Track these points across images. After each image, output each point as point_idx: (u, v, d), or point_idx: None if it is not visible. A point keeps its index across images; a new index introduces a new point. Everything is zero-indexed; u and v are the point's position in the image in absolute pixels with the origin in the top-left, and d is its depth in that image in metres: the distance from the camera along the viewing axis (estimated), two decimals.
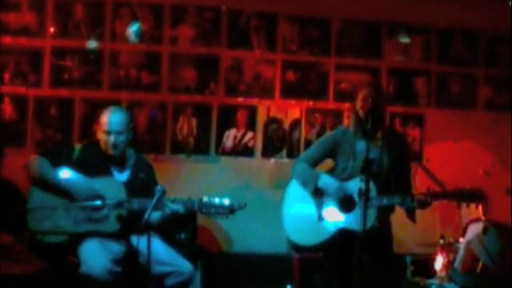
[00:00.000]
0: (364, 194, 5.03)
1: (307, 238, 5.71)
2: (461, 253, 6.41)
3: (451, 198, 5.56)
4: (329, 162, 5.92)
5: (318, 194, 5.71)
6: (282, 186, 6.65)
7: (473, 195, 5.45)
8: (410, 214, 5.60)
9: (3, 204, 5.79)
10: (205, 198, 5.44)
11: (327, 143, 5.90)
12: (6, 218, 5.69)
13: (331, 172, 5.82)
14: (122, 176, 5.64)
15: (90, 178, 5.48)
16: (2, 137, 6.52)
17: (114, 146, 5.53)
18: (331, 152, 5.83)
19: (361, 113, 5.59)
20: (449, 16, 7.67)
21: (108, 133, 5.52)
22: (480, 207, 6.58)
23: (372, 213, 5.38)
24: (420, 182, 5.94)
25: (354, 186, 5.36)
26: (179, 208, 5.41)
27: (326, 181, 5.69)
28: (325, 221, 5.65)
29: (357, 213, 5.36)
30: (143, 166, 5.78)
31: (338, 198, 5.61)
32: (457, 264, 6.38)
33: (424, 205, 5.46)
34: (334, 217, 5.62)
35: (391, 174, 5.65)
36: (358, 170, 5.42)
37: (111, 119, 5.55)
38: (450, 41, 7.81)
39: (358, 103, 5.63)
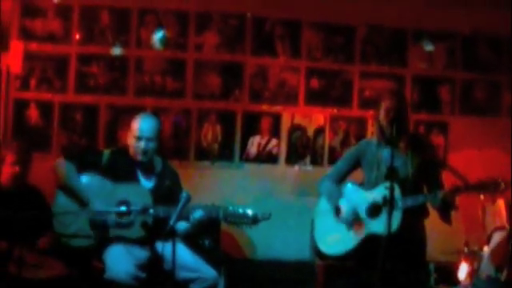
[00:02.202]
0: (388, 200, 5.04)
1: (336, 247, 5.73)
2: (485, 261, 6.37)
3: (474, 190, 5.53)
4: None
5: (337, 211, 5.75)
6: (305, 193, 6.71)
7: (495, 185, 5.42)
8: (444, 216, 5.57)
9: (27, 209, 5.82)
10: (230, 208, 5.46)
11: (352, 156, 5.96)
12: (30, 223, 5.72)
13: (362, 183, 5.83)
14: (149, 183, 5.68)
15: (116, 183, 5.52)
16: (29, 142, 6.55)
17: (144, 152, 5.56)
18: (356, 164, 5.88)
19: (384, 123, 5.60)
20: (473, 23, 7.64)
21: (138, 139, 5.55)
22: (504, 212, 6.54)
23: (396, 216, 5.38)
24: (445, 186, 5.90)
25: (379, 192, 5.37)
26: (204, 216, 5.43)
27: (349, 196, 5.74)
28: (353, 230, 5.67)
29: (381, 218, 5.36)
30: (169, 173, 5.81)
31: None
32: (481, 272, 6.35)
33: (448, 199, 5.43)
34: (360, 225, 5.65)
35: (418, 180, 5.64)
36: (382, 177, 5.44)
37: (142, 125, 5.58)
38: (474, 47, 7.77)
39: (381, 113, 5.63)
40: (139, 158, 5.61)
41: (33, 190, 6.15)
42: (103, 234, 5.48)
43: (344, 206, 5.72)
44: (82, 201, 5.49)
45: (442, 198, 5.45)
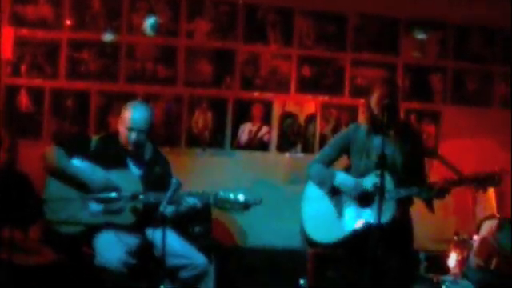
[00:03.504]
0: (379, 188, 5.04)
1: (328, 235, 5.72)
2: (475, 250, 6.39)
3: (468, 184, 5.56)
4: (343, 160, 5.94)
5: (335, 192, 5.72)
6: (296, 180, 6.71)
7: (490, 179, 5.45)
8: (429, 205, 5.61)
9: (16, 197, 5.81)
10: (221, 193, 5.45)
11: (340, 142, 5.92)
12: (21, 210, 5.72)
13: (347, 170, 5.83)
14: (139, 170, 5.67)
15: (106, 170, 5.51)
16: (16, 130, 6.53)
17: (135, 143, 5.55)
18: (344, 150, 5.85)
19: (376, 109, 5.59)
20: (465, 12, 7.63)
21: (130, 129, 5.53)
22: (494, 201, 6.57)
23: (390, 206, 5.39)
24: (437, 177, 5.90)
25: (370, 181, 5.38)
26: (195, 202, 5.42)
27: (342, 179, 5.71)
28: (344, 218, 5.67)
29: (374, 207, 5.36)
30: (160, 160, 5.80)
31: (357, 195, 5.62)
32: (471, 261, 6.36)
33: (442, 193, 5.46)
34: (353, 213, 5.64)
35: (406, 168, 5.65)
36: (373, 165, 5.45)
37: (134, 116, 5.56)
38: (466, 37, 7.78)
39: (373, 100, 5.62)
40: (130, 148, 5.60)
41: (21, 177, 6.14)
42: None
43: (343, 184, 5.69)
44: (77, 183, 5.47)
45: (436, 192, 5.47)
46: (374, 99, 5.62)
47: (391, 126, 5.56)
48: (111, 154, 5.59)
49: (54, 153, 5.56)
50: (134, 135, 5.53)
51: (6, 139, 6.01)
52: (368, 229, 5.42)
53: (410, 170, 5.67)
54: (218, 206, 5.50)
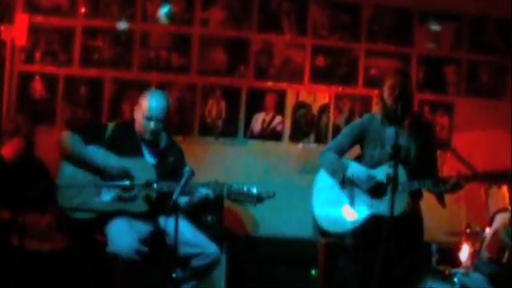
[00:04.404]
0: (392, 179, 5.03)
1: (338, 225, 5.73)
2: (487, 242, 6.37)
3: (482, 180, 5.56)
4: (356, 149, 5.94)
5: (347, 183, 5.72)
6: (308, 170, 6.69)
7: (503, 176, 5.44)
8: (440, 199, 5.62)
9: (31, 183, 5.83)
10: (234, 185, 5.46)
11: (354, 131, 5.92)
12: (34, 196, 5.74)
13: (359, 160, 5.83)
14: (153, 158, 5.67)
15: (120, 157, 5.52)
16: (32, 117, 6.56)
17: (154, 132, 5.56)
18: (359, 140, 5.85)
19: (389, 101, 5.59)
20: (480, 3, 7.61)
21: (148, 119, 5.53)
22: (507, 194, 6.55)
23: (403, 198, 5.39)
24: (449, 170, 5.90)
25: (383, 172, 5.37)
26: (208, 193, 5.43)
27: (355, 170, 5.70)
28: (356, 208, 5.67)
29: (387, 199, 5.35)
30: (174, 149, 5.81)
31: (368, 188, 5.62)
32: (483, 253, 6.35)
33: (455, 187, 5.46)
34: (365, 204, 5.64)
35: (419, 160, 5.65)
36: (386, 156, 5.42)
37: (153, 105, 5.56)
38: (481, 29, 7.75)
39: (386, 91, 5.63)
40: (147, 137, 5.60)
41: (37, 164, 6.17)
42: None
43: (355, 175, 5.69)
44: (92, 168, 5.48)
45: (450, 186, 5.47)
46: (386, 90, 5.62)
47: (404, 117, 5.56)
48: (126, 142, 5.60)
49: (69, 138, 5.57)
50: (152, 124, 5.53)
51: (23, 126, 6.03)
52: (379, 220, 5.42)
53: (422, 162, 5.67)
54: (231, 199, 5.50)
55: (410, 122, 5.67)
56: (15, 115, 6.72)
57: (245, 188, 5.44)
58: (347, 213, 5.71)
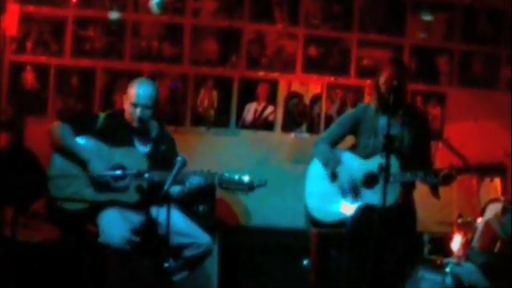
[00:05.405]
0: (385, 169, 5.03)
1: (330, 215, 5.75)
2: (479, 232, 6.38)
3: (474, 172, 5.58)
4: (350, 139, 5.95)
5: (334, 177, 5.74)
6: (301, 160, 6.69)
7: (495, 168, 5.46)
8: (434, 191, 5.63)
9: (21, 173, 5.82)
10: (225, 174, 5.45)
11: (348, 121, 5.93)
12: (25, 187, 5.72)
13: (353, 149, 5.84)
14: (145, 148, 5.66)
15: (111, 147, 5.51)
16: (22, 107, 6.54)
17: (140, 119, 5.54)
18: (352, 130, 5.87)
19: (383, 89, 5.60)
20: None
21: (135, 105, 5.52)
22: (499, 184, 6.56)
23: (395, 189, 5.40)
24: (441, 160, 5.91)
25: (376, 162, 5.36)
26: (200, 182, 5.42)
27: (345, 163, 5.73)
28: (348, 198, 5.68)
29: (379, 189, 5.35)
30: (166, 138, 5.79)
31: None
32: (475, 243, 6.36)
33: (448, 179, 5.47)
34: (357, 194, 5.65)
35: (412, 150, 5.66)
36: (380, 146, 5.41)
37: (139, 92, 5.55)
38: (473, 19, 7.73)
39: (382, 80, 5.63)
40: (134, 124, 5.59)
41: (26, 154, 6.15)
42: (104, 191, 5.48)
43: (342, 173, 5.72)
44: (80, 161, 5.47)
45: (442, 178, 5.47)
46: (381, 79, 5.62)
47: (398, 107, 5.56)
48: (118, 132, 5.59)
49: (59, 129, 5.55)
50: (138, 111, 5.52)
51: (11, 117, 6.02)
52: (372, 210, 5.42)
53: (416, 151, 5.68)
54: (223, 187, 5.49)
55: (403, 112, 5.67)
56: (4, 107, 6.69)
57: (236, 176, 5.43)
58: (339, 203, 5.71)
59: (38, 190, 5.77)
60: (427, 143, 5.88)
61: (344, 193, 5.70)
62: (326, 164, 5.79)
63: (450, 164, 5.55)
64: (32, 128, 6.27)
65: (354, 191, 5.67)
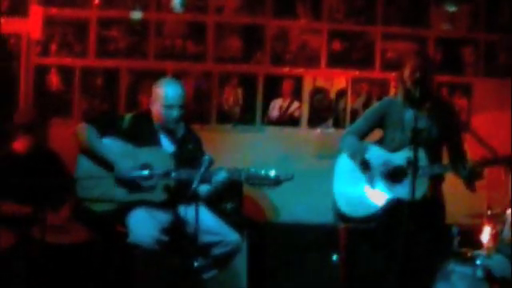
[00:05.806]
0: (413, 163, 5.01)
1: (359, 209, 5.73)
2: (508, 224, 6.34)
3: (503, 164, 5.53)
4: (377, 133, 5.93)
5: (365, 166, 5.71)
6: (327, 155, 6.67)
7: None
8: (469, 184, 5.59)
9: (45, 176, 5.84)
10: (252, 169, 5.44)
11: (375, 114, 5.92)
12: (51, 189, 5.75)
13: (380, 143, 5.82)
14: (171, 147, 5.67)
15: (138, 147, 5.52)
16: (47, 108, 6.57)
17: (176, 120, 5.56)
18: (379, 123, 5.85)
19: (409, 82, 5.57)
20: None
21: (169, 107, 5.53)
22: None
23: (423, 182, 5.37)
24: (469, 152, 5.88)
25: (404, 156, 5.34)
26: (224, 177, 5.42)
27: (373, 154, 5.69)
28: (376, 192, 5.65)
29: (407, 183, 5.32)
30: (192, 138, 5.81)
31: (382, 172, 5.61)
32: (504, 235, 6.32)
33: (477, 172, 5.44)
34: (386, 188, 5.62)
35: (441, 143, 5.63)
36: (407, 139, 5.39)
37: (171, 93, 5.58)
38: (497, 9, 7.67)
39: (406, 73, 5.61)
40: (170, 125, 5.60)
41: (50, 156, 6.17)
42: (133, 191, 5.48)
43: (373, 159, 5.68)
44: (106, 163, 5.49)
45: (470, 170, 5.45)
46: (406, 72, 5.60)
47: (425, 100, 5.53)
48: (144, 132, 5.61)
49: (85, 130, 5.59)
50: (175, 112, 5.54)
51: (35, 120, 6.04)
52: (400, 204, 5.40)
53: (445, 144, 5.66)
54: (250, 183, 5.49)
55: (430, 104, 5.64)
56: (28, 109, 6.71)
57: (262, 171, 5.42)
58: (368, 197, 5.69)
59: (64, 192, 5.80)
60: (457, 135, 5.85)
61: (377, 179, 5.66)
62: (353, 155, 5.77)
63: (479, 157, 5.52)
64: (58, 130, 6.29)
65: (388, 173, 5.62)
